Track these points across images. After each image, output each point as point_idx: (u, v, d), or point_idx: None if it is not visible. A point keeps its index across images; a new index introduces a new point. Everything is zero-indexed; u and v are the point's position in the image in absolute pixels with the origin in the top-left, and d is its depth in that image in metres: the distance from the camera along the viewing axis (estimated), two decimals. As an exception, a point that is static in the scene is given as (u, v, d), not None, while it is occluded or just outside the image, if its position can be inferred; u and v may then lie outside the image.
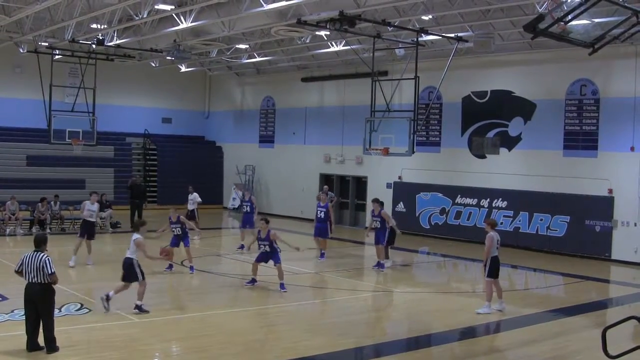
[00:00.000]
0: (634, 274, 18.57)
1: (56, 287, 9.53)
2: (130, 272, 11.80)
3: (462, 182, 23.80)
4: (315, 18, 18.39)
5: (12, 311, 11.22)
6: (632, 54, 19.59)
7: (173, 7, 18.96)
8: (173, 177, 31.43)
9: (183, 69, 31.65)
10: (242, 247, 19.43)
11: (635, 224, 19.64)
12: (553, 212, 21.32)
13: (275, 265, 14.27)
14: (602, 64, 19.90)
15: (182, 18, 19.89)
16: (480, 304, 13.17)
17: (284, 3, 17.27)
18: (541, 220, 21.61)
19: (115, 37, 23.11)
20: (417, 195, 24.99)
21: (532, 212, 21.81)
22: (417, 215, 24.90)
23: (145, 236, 12.16)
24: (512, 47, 22.01)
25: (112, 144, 31.01)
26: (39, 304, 9.25)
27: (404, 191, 25.44)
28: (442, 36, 20.58)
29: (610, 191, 20.14)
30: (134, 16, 19.80)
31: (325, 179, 28.03)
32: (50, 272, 9.24)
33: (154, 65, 30.62)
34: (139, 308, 11.73)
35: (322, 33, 22.00)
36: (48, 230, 21.59)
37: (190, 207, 22.65)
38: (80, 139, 25.03)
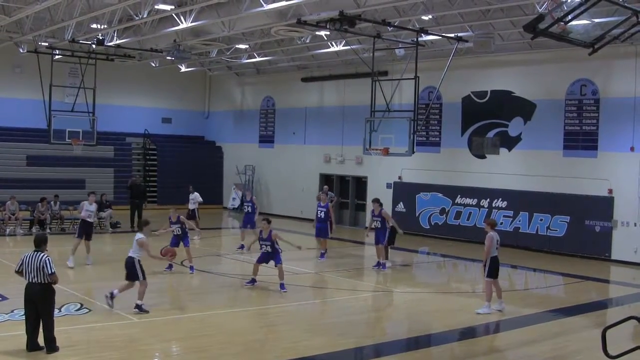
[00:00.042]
0: (633, 274, 18.58)
1: (56, 287, 9.53)
2: (132, 272, 11.84)
3: (462, 182, 23.79)
4: (315, 18, 18.39)
5: (12, 311, 11.22)
6: (632, 54, 19.59)
7: (173, 7, 18.96)
8: (173, 177, 31.43)
9: (183, 69, 31.65)
10: (242, 247, 19.45)
11: (635, 224, 19.65)
12: (553, 212, 21.32)
13: (276, 266, 14.28)
14: (602, 64, 19.91)
15: (182, 18, 19.89)
16: (480, 304, 13.17)
17: (284, 3, 17.27)
18: (541, 220, 21.61)
19: (115, 37, 23.11)
20: (417, 196, 24.99)
21: (532, 212, 21.81)
22: (417, 215, 24.90)
23: (150, 235, 12.14)
24: (512, 47, 22.01)
25: (112, 144, 31.01)
26: (39, 304, 9.26)
27: (404, 191, 25.44)
28: (442, 36, 20.58)
29: (610, 191, 20.14)
30: (134, 16, 19.80)
31: (325, 179, 28.02)
32: (50, 272, 9.25)
33: (154, 65, 30.61)
34: (139, 308, 11.74)
35: (322, 33, 21.99)
36: (48, 230, 21.57)
37: (191, 206, 22.64)
38: (80, 139, 25.03)
